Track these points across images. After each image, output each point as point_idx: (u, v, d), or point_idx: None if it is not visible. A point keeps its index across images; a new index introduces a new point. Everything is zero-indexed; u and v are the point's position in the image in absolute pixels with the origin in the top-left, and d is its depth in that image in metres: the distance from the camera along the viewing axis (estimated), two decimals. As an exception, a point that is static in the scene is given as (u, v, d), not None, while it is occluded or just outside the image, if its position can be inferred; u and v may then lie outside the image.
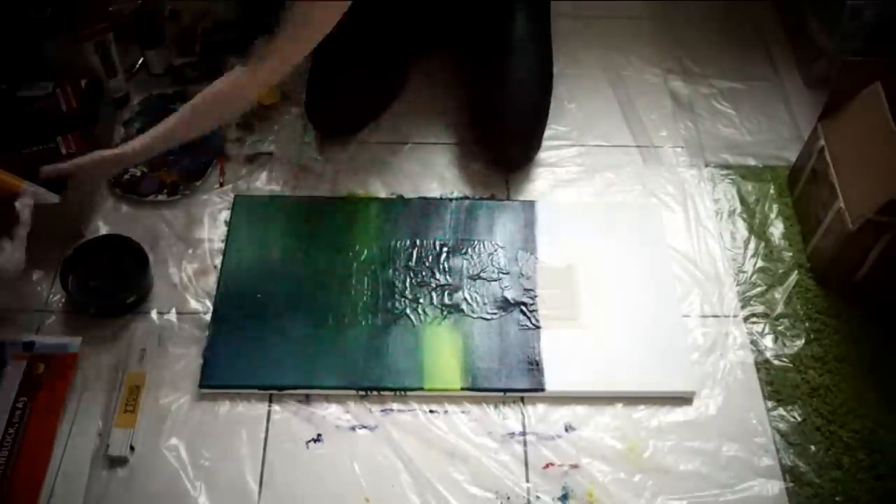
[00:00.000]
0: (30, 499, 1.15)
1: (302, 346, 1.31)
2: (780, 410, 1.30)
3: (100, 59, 1.59)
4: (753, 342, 1.38)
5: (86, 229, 1.46)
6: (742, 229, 1.53)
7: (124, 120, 1.63)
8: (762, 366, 1.35)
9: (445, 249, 1.45)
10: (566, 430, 1.27)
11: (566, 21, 1.84)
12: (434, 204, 1.52)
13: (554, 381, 1.30)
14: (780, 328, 1.40)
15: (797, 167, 1.57)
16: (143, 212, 1.50)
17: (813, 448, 1.27)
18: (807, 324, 1.40)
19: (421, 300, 1.38)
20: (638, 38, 1.87)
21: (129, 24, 1.65)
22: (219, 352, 1.31)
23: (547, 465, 1.23)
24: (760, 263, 1.48)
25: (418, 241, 1.45)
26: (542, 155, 1.62)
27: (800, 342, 1.38)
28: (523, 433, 1.26)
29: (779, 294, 1.44)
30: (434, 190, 1.55)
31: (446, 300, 1.38)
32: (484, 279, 1.41)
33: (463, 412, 1.28)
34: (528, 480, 1.22)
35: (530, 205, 1.52)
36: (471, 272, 1.42)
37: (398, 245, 1.45)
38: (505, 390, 1.29)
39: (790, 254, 1.49)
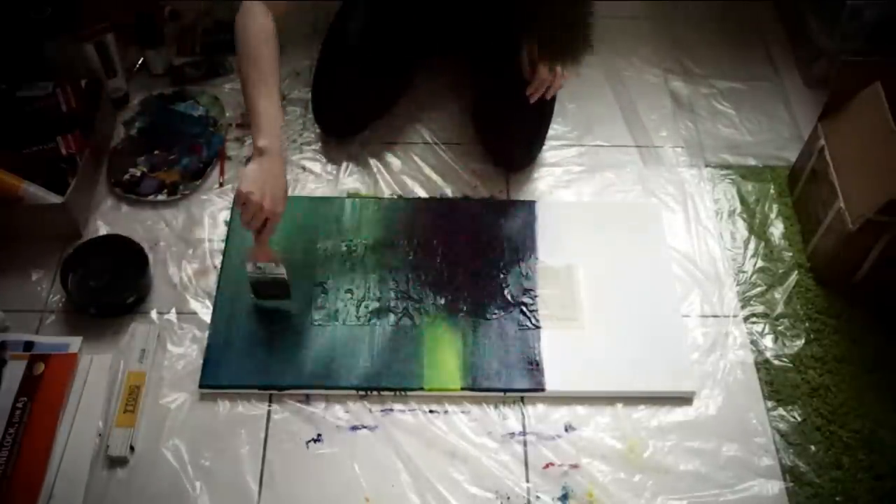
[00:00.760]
0: (30, 499, 1.15)
1: (302, 346, 1.31)
2: (780, 410, 1.30)
3: (100, 59, 1.59)
4: (753, 342, 1.38)
5: (85, 229, 1.46)
6: (742, 229, 1.53)
7: (124, 120, 1.63)
8: (762, 366, 1.35)
9: (445, 249, 1.44)
10: (566, 430, 1.27)
11: (566, 21, 1.84)
12: (435, 204, 1.52)
13: (554, 381, 1.30)
14: (780, 328, 1.40)
15: (797, 167, 1.57)
16: (143, 212, 1.50)
17: (813, 448, 1.27)
18: (807, 324, 1.40)
19: (421, 300, 1.38)
20: (638, 38, 1.87)
21: (129, 24, 1.65)
22: (219, 352, 1.31)
23: (547, 465, 1.23)
24: (760, 263, 1.48)
25: (418, 241, 1.45)
26: (543, 155, 1.62)
27: (800, 342, 1.38)
28: (523, 433, 1.26)
29: (779, 294, 1.44)
30: (434, 190, 1.55)
31: (446, 300, 1.38)
32: (484, 279, 1.41)
33: (463, 412, 1.28)
34: (528, 480, 1.22)
35: (530, 205, 1.52)
36: (471, 272, 1.42)
37: (398, 245, 1.45)
38: (505, 390, 1.29)
39: (790, 254, 1.49)
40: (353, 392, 1.29)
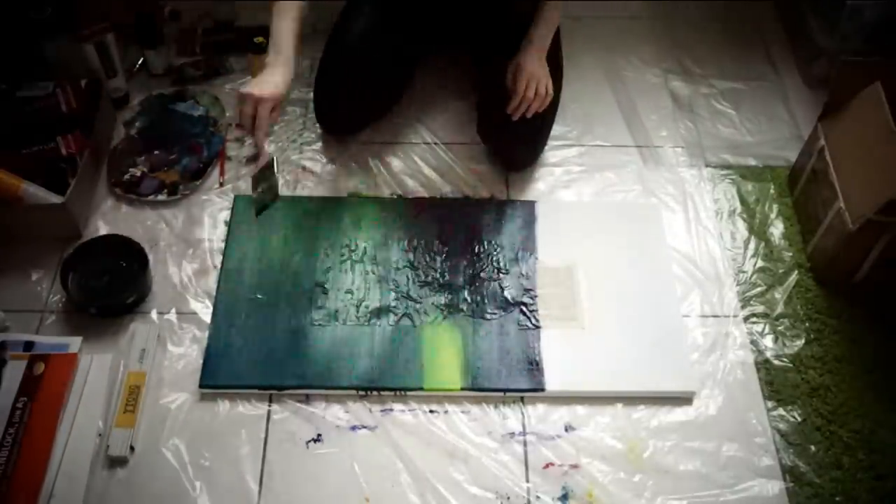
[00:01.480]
0: (30, 499, 1.15)
1: (302, 347, 1.31)
2: (780, 410, 1.30)
3: (100, 59, 1.59)
4: (753, 342, 1.38)
5: (85, 229, 1.46)
6: (742, 229, 1.53)
7: (124, 120, 1.63)
8: (762, 366, 1.35)
9: (445, 249, 1.45)
10: (566, 430, 1.27)
11: (566, 21, 1.83)
12: (434, 204, 1.52)
13: (554, 381, 1.30)
14: (780, 328, 1.40)
15: (797, 167, 1.57)
16: (143, 212, 1.50)
17: (813, 448, 1.27)
18: (807, 324, 1.40)
19: (421, 300, 1.38)
20: (638, 38, 1.87)
21: (129, 24, 1.65)
22: (219, 352, 1.31)
23: (547, 465, 1.23)
24: (760, 263, 1.48)
25: (418, 241, 1.45)
26: (543, 155, 1.62)
27: (800, 342, 1.38)
28: (523, 433, 1.26)
29: (779, 294, 1.44)
30: (434, 190, 1.55)
31: (446, 300, 1.38)
32: (484, 279, 1.41)
33: (463, 412, 1.28)
34: (528, 480, 1.22)
35: (530, 205, 1.52)
36: (471, 272, 1.42)
37: (398, 245, 1.45)
38: (505, 390, 1.29)
39: (790, 254, 1.49)
40: (353, 392, 1.29)
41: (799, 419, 1.30)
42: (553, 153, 1.63)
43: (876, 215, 1.30)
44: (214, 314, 1.35)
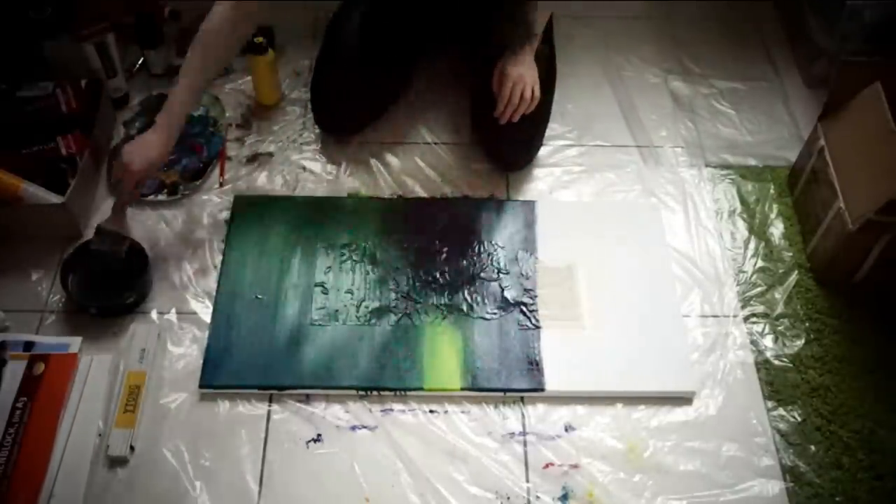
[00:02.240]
0: (30, 499, 1.15)
1: (302, 346, 1.31)
2: (780, 410, 1.30)
3: (100, 59, 1.59)
4: (753, 342, 1.38)
5: (85, 229, 1.46)
6: (742, 229, 1.53)
7: (124, 120, 1.63)
8: (762, 366, 1.35)
9: (445, 249, 1.45)
10: (566, 430, 1.27)
11: (566, 21, 1.84)
12: (434, 204, 1.52)
13: (554, 381, 1.30)
14: (780, 328, 1.40)
15: (797, 167, 1.57)
16: (143, 212, 1.50)
17: (813, 448, 1.27)
18: (807, 324, 1.40)
19: (421, 300, 1.38)
20: (638, 38, 1.87)
21: (129, 24, 1.65)
22: (219, 352, 1.31)
23: (547, 465, 1.23)
24: (760, 263, 1.48)
25: (418, 241, 1.45)
26: (542, 155, 1.62)
27: (800, 342, 1.38)
28: (523, 433, 1.26)
29: (779, 294, 1.44)
30: (434, 190, 1.55)
31: (446, 300, 1.38)
32: (484, 279, 1.41)
33: (463, 412, 1.28)
34: (528, 480, 1.22)
35: (530, 205, 1.52)
36: (471, 272, 1.42)
37: (398, 245, 1.45)
38: (505, 390, 1.29)
39: (790, 254, 1.49)
40: (353, 392, 1.29)
41: (799, 419, 1.30)
42: (553, 153, 1.63)
43: (876, 215, 1.30)
44: (214, 314, 1.35)
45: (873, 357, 1.37)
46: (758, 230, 1.53)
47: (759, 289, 1.44)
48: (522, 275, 1.42)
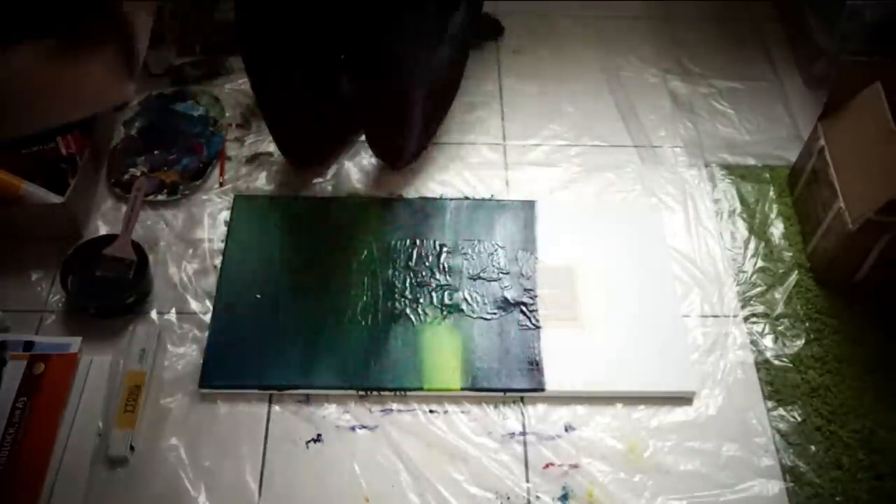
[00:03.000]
0: (30, 499, 1.15)
1: (302, 346, 1.31)
2: (780, 410, 1.30)
3: (100, 60, 1.58)
4: (753, 342, 1.38)
5: (85, 229, 1.46)
6: (742, 229, 1.53)
7: (124, 120, 1.63)
8: (762, 366, 1.35)
9: (445, 249, 1.45)
10: (566, 430, 1.27)
11: (566, 21, 1.84)
12: (434, 204, 1.52)
13: (554, 381, 1.30)
14: (780, 328, 1.40)
15: (797, 167, 1.57)
16: (143, 212, 1.49)
17: (813, 448, 1.27)
18: (807, 324, 1.40)
19: (421, 300, 1.38)
20: (637, 38, 1.87)
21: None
22: (219, 352, 1.30)
23: (547, 465, 1.23)
24: (760, 263, 1.48)
25: (418, 241, 1.45)
26: (542, 155, 1.62)
27: (800, 342, 1.38)
28: (523, 433, 1.26)
29: (779, 294, 1.44)
30: (434, 190, 1.55)
31: (446, 300, 1.38)
32: (484, 279, 1.41)
33: (463, 412, 1.28)
34: (528, 480, 1.22)
35: (530, 205, 1.52)
36: (471, 272, 1.42)
37: (398, 245, 1.45)
38: (505, 390, 1.29)
39: (790, 254, 1.49)
40: (353, 392, 1.29)
41: (799, 419, 1.30)
42: (552, 153, 1.63)
43: (876, 215, 1.30)
44: (214, 314, 1.35)
45: (873, 357, 1.37)
46: (758, 230, 1.53)
47: (759, 289, 1.45)
48: (522, 275, 1.42)
